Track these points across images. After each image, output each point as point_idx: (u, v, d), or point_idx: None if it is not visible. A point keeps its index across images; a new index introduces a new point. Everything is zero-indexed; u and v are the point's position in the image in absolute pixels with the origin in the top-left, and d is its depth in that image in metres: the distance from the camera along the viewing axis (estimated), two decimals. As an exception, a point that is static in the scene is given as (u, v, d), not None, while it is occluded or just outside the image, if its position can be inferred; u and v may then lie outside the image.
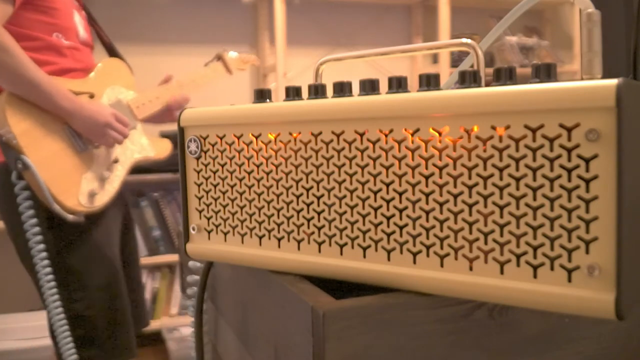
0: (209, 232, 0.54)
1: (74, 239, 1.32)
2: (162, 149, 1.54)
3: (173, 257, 2.41)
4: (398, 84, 0.44)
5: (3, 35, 1.17)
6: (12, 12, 1.23)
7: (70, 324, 1.29)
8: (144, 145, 1.48)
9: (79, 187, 1.29)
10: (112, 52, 1.56)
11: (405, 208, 0.42)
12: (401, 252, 0.42)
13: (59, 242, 1.30)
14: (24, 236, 1.24)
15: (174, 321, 2.42)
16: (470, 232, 0.39)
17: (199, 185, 0.54)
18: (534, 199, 0.37)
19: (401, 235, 0.42)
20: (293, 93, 0.49)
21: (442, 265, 0.41)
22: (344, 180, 0.45)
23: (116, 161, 1.38)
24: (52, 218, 1.26)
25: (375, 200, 0.43)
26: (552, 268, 0.37)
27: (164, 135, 2.29)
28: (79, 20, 1.41)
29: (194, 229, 0.54)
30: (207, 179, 0.53)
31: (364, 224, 0.44)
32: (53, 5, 1.31)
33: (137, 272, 1.57)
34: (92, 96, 1.37)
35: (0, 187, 1.31)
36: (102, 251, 1.36)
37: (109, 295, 1.36)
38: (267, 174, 0.49)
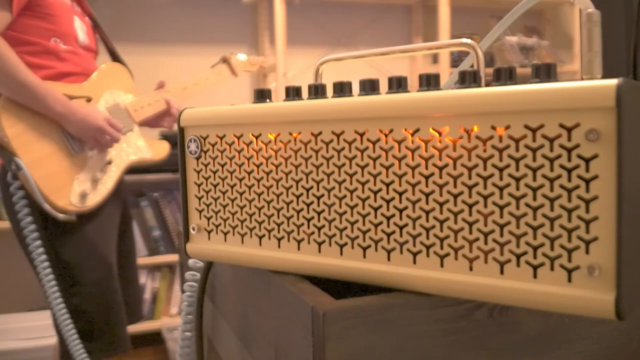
0: (209, 232, 0.54)
1: (68, 235, 1.37)
2: (160, 151, 1.57)
3: (173, 257, 2.41)
4: (398, 84, 0.44)
5: None
6: (11, 19, 1.29)
7: (70, 317, 1.35)
8: (140, 147, 1.52)
9: (70, 188, 1.34)
10: (115, 57, 1.59)
11: (405, 208, 0.42)
12: (401, 252, 0.42)
13: (53, 239, 1.35)
14: (22, 233, 1.31)
15: (174, 321, 2.42)
16: (470, 232, 0.39)
17: (199, 185, 0.54)
18: (534, 199, 0.37)
19: (401, 235, 0.42)
20: (293, 93, 0.49)
21: (442, 265, 0.41)
22: (344, 180, 0.45)
23: (109, 163, 1.43)
24: (46, 216, 1.32)
25: (375, 200, 0.43)
26: (552, 268, 0.37)
27: (164, 136, 2.30)
28: (79, 26, 1.45)
29: (194, 229, 0.54)
30: (207, 179, 0.53)
31: (364, 224, 0.44)
32: (51, 12, 1.36)
33: (133, 268, 1.62)
34: (89, 100, 1.42)
35: (1, 188, 1.37)
36: (96, 248, 1.41)
37: (102, 291, 1.42)
38: (267, 174, 0.49)
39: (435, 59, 2.84)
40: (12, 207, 1.33)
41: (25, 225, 1.29)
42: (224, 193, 0.52)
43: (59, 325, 1.33)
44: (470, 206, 0.39)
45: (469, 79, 0.41)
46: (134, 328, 2.37)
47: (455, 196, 0.40)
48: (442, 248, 0.41)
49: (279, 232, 0.49)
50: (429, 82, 0.43)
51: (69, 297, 1.37)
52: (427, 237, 0.41)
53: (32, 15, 1.33)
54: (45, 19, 1.35)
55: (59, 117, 1.32)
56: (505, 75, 0.40)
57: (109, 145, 1.40)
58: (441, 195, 0.40)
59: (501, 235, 0.38)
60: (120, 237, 1.54)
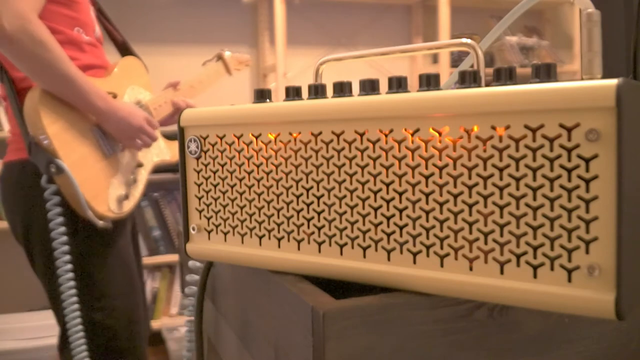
0: (209, 232, 0.54)
1: (98, 246, 1.26)
2: (176, 152, 1.51)
3: (173, 257, 2.41)
4: (398, 84, 0.44)
5: (39, 28, 1.10)
6: (45, 3, 1.17)
7: (90, 332, 1.23)
8: (161, 148, 1.44)
9: (107, 193, 1.24)
10: (126, 50, 1.50)
11: (405, 208, 0.42)
12: (401, 252, 0.42)
13: (82, 250, 1.23)
14: (46, 242, 1.17)
15: (174, 321, 2.42)
16: (470, 232, 0.39)
17: (199, 186, 0.54)
18: (534, 199, 0.37)
19: (401, 235, 0.42)
20: (293, 93, 0.49)
21: (442, 265, 0.41)
22: (344, 180, 0.45)
23: (140, 165, 1.33)
24: (77, 225, 1.20)
25: (375, 200, 0.43)
26: (552, 268, 0.37)
27: (164, 135, 2.30)
28: (95, 16, 1.36)
29: (194, 229, 0.54)
30: (207, 179, 0.53)
31: (364, 224, 0.44)
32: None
33: (141, 275, 1.53)
34: (115, 96, 1.30)
35: (19, 189, 1.25)
36: (123, 259, 1.31)
37: (128, 304, 1.31)
38: (267, 174, 0.49)
39: (435, 59, 2.84)
40: (36, 212, 1.20)
41: (57, 236, 1.15)
42: (224, 193, 0.52)
43: (70, 337, 1.18)
44: (470, 206, 0.39)
45: (469, 79, 0.41)
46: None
47: (455, 196, 0.40)
48: (442, 248, 0.41)
49: (279, 232, 0.49)
50: (429, 82, 0.43)
51: (92, 311, 1.25)
52: (427, 237, 0.41)
53: (57, 1, 1.21)
54: (69, 7, 1.24)
55: (100, 114, 1.20)
56: (505, 75, 0.40)
57: (147, 146, 1.30)
58: (441, 195, 0.40)
59: (501, 235, 0.38)
60: (133, 243, 1.44)
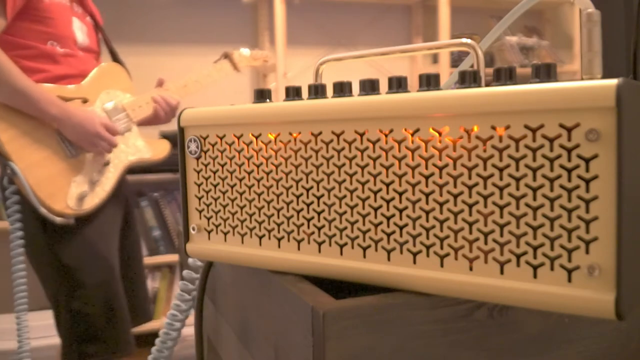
0: (209, 232, 0.54)
1: (68, 239, 1.36)
2: (160, 150, 1.55)
3: (173, 257, 2.41)
4: (398, 84, 0.44)
5: None
6: (6, 24, 1.28)
7: (71, 320, 1.36)
8: (139, 147, 1.50)
9: (67, 191, 1.33)
10: (114, 57, 1.58)
11: (405, 208, 0.42)
12: (401, 252, 0.42)
13: (53, 243, 1.34)
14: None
15: (174, 321, 2.41)
16: (470, 232, 0.39)
17: (199, 186, 0.54)
18: (534, 199, 0.37)
19: (401, 235, 0.42)
20: (293, 93, 0.49)
21: (442, 265, 0.41)
22: (344, 180, 0.45)
23: (107, 164, 1.41)
24: (45, 220, 1.30)
25: (375, 200, 0.43)
26: (552, 268, 0.37)
27: (164, 135, 2.29)
28: (78, 27, 1.43)
29: (194, 229, 0.54)
30: (207, 179, 0.53)
31: (364, 224, 0.44)
32: (48, 15, 1.34)
33: (138, 268, 1.60)
34: (85, 101, 1.40)
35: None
36: (97, 250, 1.40)
37: (105, 292, 1.40)
38: (267, 174, 0.49)
39: (435, 59, 2.84)
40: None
41: (13, 231, 1.29)
42: (224, 193, 0.52)
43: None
44: (470, 206, 0.39)
45: (469, 79, 0.41)
46: (134, 328, 2.37)
47: (455, 196, 0.40)
48: (442, 248, 0.41)
49: (279, 232, 0.49)
50: (429, 82, 0.43)
51: (71, 300, 1.36)
52: (427, 237, 0.41)
53: (28, 18, 1.32)
54: (42, 22, 1.34)
55: (55, 120, 1.30)
56: (505, 75, 0.40)
57: (106, 151, 1.39)
58: (441, 195, 0.40)
59: (501, 235, 0.38)
60: (124, 238, 1.52)
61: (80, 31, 1.44)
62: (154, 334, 2.59)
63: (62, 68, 1.38)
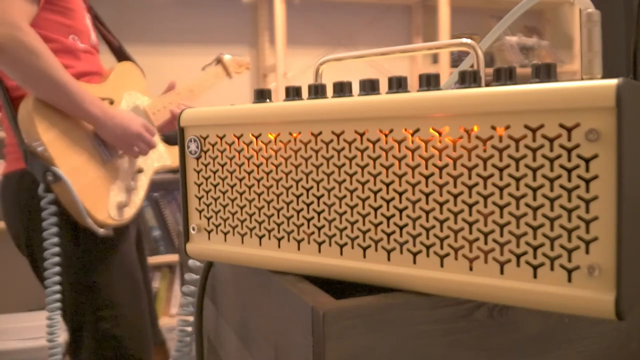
0: (209, 232, 0.54)
1: (101, 254, 1.25)
2: (177, 156, 1.50)
3: (173, 257, 2.41)
4: (398, 84, 0.44)
5: (30, 36, 1.10)
6: (36, 12, 1.16)
7: (98, 342, 1.24)
8: (161, 153, 1.42)
9: (107, 200, 1.22)
10: (122, 55, 1.49)
11: (405, 208, 0.42)
12: (401, 252, 0.42)
13: (85, 259, 1.23)
14: (42, 254, 1.15)
15: (174, 321, 2.41)
16: (470, 232, 0.39)
17: (199, 185, 0.54)
18: (534, 199, 0.37)
19: (401, 235, 0.42)
20: (293, 93, 0.49)
21: (442, 265, 0.41)
22: (344, 180, 0.45)
23: (140, 171, 1.32)
24: (78, 233, 1.20)
25: (375, 200, 0.43)
26: (552, 268, 0.37)
27: (164, 136, 2.29)
28: (90, 23, 1.35)
29: (194, 229, 0.54)
30: (207, 179, 0.53)
31: (364, 224, 0.44)
32: (69, 6, 1.24)
33: (149, 284, 1.48)
34: (111, 102, 1.30)
35: (19, 199, 1.24)
36: (127, 266, 1.30)
37: (134, 312, 1.29)
38: (267, 174, 0.49)
39: (435, 59, 2.84)
40: (34, 221, 1.18)
41: (49, 247, 1.14)
42: (224, 193, 0.52)
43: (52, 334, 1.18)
44: (470, 206, 0.39)
45: (469, 79, 0.41)
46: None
47: (455, 196, 0.40)
48: (442, 248, 0.41)
49: (279, 232, 0.49)
50: (429, 82, 0.43)
51: (100, 321, 1.24)
52: (427, 237, 0.41)
53: (52, 9, 1.20)
54: (65, 14, 1.23)
55: (96, 121, 1.19)
56: (505, 75, 0.40)
57: (144, 153, 1.28)
58: (441, 195, 0.40)
59: (501, 235, 0.38)
60: (139, 252, 1.42)
61: (91, 27, 1.35)
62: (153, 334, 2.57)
63: (83, 64, 1.28)
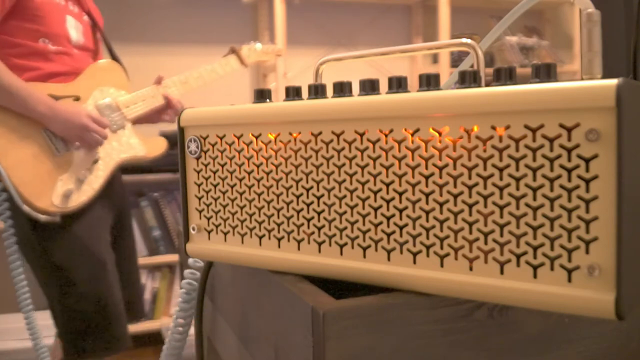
0: (209, 232, 0.54)
1: (56, 237, 1.36)
2: (156, 147, 1.54)
3: (173, 257, 2.41)
4: (398, 84, 0.44)
5: None
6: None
7: (66, 317, 1.38)
8: (132, 144, 1.49)
9: (53, 189, 1.33)
10: (112, 55, 1.58)
11: (405, 208, 0.42)
12: (401, 252, 0.42)
13: (42, 241, 1.35)
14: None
15: (174, 321, 2.41)
16: (470, 232, 0.39)
17: (199, 186, 0.54)
18: (534, 199, 0.37)
19: (401, 235, 0.42)
20: (293, 93, 0.49)
21: (442, 265, 0.41)
22: (344, 180, 0.45)
23: (96, 162, 1.41)
24: (36, 219, 1.31)
25: (375, 200, 0.43)
26: (552, 268, 0.37)
27: (164, 135, 2.29)
28: (73, 25, 1.44)
29: (194, 229, 0.54)
30: (207, 179, 0.53)
31: (364, 224, 0.44)
32: (40, 13, 1.36)
33: (133, 268, 1.61)
34: (77, 99, 1.41)
35: None
36: (85, 247, 1.41)
37: (97, 289, 1.41)
38: (267, 174, 0.49)
39: (435, 59, 2.84)
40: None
41: (6, 229, 1.31)
42: (224, 193, 0.52)
43: (29, 324, 1.35)
44: (470, 206, 0.39)
45: (469, 79, 0.41)
46: (134, 328, 2.37)
47: (455, 196, 0.40)
48: (442, 248, 0.41)
49: (279, 232, 0.49)
50: (429, 82, 0.43)
51: (64, 297, 1.38)
52: (427, 237, 0.41)
53: (18, 17, 1.34)
54: (33, 20, 1.35)
55: (43, 117, 1.32)
56: (505, 75, 0.40)
57: (98, 143, 1.40)
58: (441, 195, 0.40)
59: (501, 235, 0.38)
60: (118, 237, 1.53)
61: (74, 29, 1.45)
62: (154, 334, 2.58)
63: (54, 66, 1.39)
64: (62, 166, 1.36)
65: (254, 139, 0.49)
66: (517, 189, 0.37)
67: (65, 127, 1.34)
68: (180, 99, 1.57)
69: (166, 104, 1.56)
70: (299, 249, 0.47)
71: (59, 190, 1.34)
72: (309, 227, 0.47)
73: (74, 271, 1.38)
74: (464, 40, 0.45)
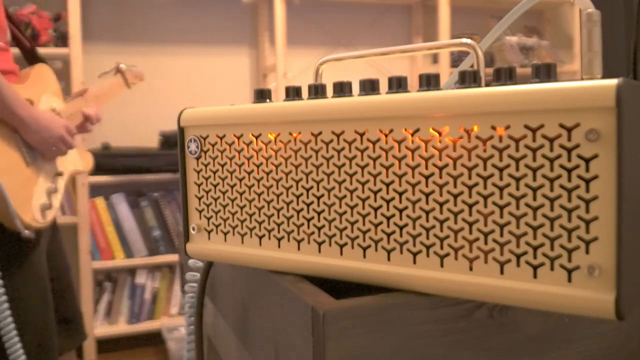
0: (209, 232, 0.54)
1: (17, 258, 1.19)
2: (87, 162, 1.47)
3: (173, 257, 2.41)
4: (398, 84, 0.44)
5: None
6: None
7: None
8: (74, 157, 1.41)
9: (31, 202, 1.19)
10: (34, 58, 1.42)
11: (405, 208, 0.42)
12: (401, 252, 0.42)
13: (4, 262, 1.16)
14: None
15: (174, 321, 2.42)
16: (470, 232, 0.39)
17: (199, 185, 0.54)
18: (534, 199, 0.37)
19: (401, 235, 0.42)
20: (293, 93, 0.49)
21: (442, 265, 0.41)
22: (344, 180, 0.45)
23: (60, 174, 1.31)
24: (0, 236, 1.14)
25: (375, 200, 0.43)
26: (552, 268, 0.37)
27: (164, 135, 2.29)
28: (5, 19, 1.28)
29: (194, 229, 0.54)
30: (207, 179, 0.53)
31: (364, 224, 0.44)
32: None
33: (69, 284, 1.43)
34: (31, 103, 1.25)
35: None
36: (36, 274, 1.25)
37: (38, 320, 1.24)
38: (267, 174, 0.49)
39: (435, 59, 2.84)
40: None
41: None
42: (224, 193, 0.52)
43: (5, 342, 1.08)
44: (470, 206, 0.39)
45: (469, 79, 0.41)
46: (134, 328, 2.38)
47: (455, 196, 0.40)
48: (442, 248, 0.41)
49: (279, 232, 0.49)
50: (429, 82, 0.43)
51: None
52: (427, 237, 0.41)
53: None
54: None
55: (20, 123, 1.15)
56: (505, 75, 0.40)
57: (63, 154, 1.26)
58: (441, 195, 0.40)
59: (501, 235, 0.38)
60: (53, 253, 1.35)
61: (6, 25, 1.27)
62: (154, 334, 2.59)
63: (0, 63, 1.20)
64: (33, 177, 1.21)
65: (254, 139, 0.49)
66: (517, 189, 0.37)
67: (42, 137, 1.19)
68: (98, 111, 1.43)
69: (84, 120, 1.41)
70: (299, 249, 0.48)
71: (36, 203, 1.20)
72: (309, 227, 0.47)
73: (19, 298, 1.17)
74: (464, 40, 0.45)
